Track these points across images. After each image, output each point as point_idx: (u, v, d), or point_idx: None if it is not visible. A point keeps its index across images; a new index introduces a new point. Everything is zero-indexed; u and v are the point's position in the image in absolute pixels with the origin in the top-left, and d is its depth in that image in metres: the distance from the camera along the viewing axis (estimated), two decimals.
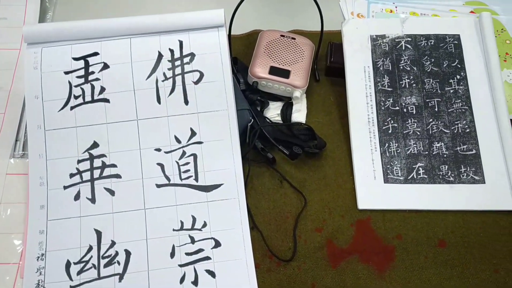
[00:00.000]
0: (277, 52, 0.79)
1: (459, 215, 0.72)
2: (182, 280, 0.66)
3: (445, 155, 0.75)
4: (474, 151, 0.75)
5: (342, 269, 0.68)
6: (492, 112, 0.77)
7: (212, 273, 0.67)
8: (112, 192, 0.70)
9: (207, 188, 0.71)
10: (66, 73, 0.73)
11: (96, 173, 0.71)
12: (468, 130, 0.76)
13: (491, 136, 0.76)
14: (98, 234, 0.68)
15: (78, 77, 0.73)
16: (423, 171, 0.74)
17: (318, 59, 0.84)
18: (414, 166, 0.74)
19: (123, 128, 0.72)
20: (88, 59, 0.74)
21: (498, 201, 0.72)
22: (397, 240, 0.70)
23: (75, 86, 0.73)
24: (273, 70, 0.78)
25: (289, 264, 0.68)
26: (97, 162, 0.71)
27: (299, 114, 0.79)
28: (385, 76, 0.80)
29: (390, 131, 0.77)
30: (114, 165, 0.71)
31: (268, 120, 0.78)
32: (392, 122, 0.77)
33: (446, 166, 0.74)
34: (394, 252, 0.69)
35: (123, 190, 0.70)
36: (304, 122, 0.78)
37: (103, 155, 0.71)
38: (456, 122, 0.77)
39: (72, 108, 0.72)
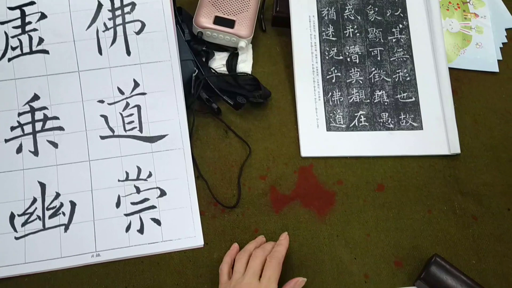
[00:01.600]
0: (222, 2, 0.78)
1: (398, 160, 0.75)
2: (128, 228, 0.68)
3: (386, 103, 0.77)
4: (413, 99, 0.77)
5: (285, 214, 0.71)
6: (432, 61, 0.79)
7: (157, 221, 0.68)
8: (55, 145, 0.70)
9: (151, 139, 0.71)
10: (2, 23, 0.71)
11: (38, 125, 0.70)
12: (408, 79, 0.78)
13: (430, 84, 0.78)
14: (42, 186, 0.68)
15: (15, 27, 0.71)
16: (364, 119, 0.76)
17: (265, 9, 0.84)
18: (356, 114, 0.76)
19: (64, 80, 0.71)
20: (24, 8, 0.71)
21: (434, 146, 0.75)
22: (337, 185, 0.73)
23: (12, 37, 0.71)
24: (218, 20, 0.77)
25: (233, 211, 0.70)
26: (39, 115, 0.70)
27: (245, 65, 0.79)
28: (330, 25, 0.80)
29: (333, 80, 0.78)
30: (56, 118, 0.70)
31: (213, 71, 0.78)
32: (335, 71, 0.78)
33: (387, 114, 0.76)
34: (335, 197, 0.72)
35: (67, 143, 0.70)
36: (249, 72, 0.79)
37: (44, 108, 0.70)
38: (397, 71, 0.79)
39: (10, 59, 0.71)
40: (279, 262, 0.62)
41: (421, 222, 0.71)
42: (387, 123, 0.76)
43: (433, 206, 0.72)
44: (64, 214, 0.67)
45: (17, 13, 0.71)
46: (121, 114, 0.71)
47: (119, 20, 0.72)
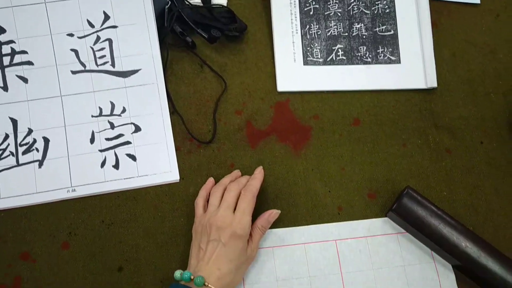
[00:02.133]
0: None
1: (374, 94, 0.74)
2: (103, 164, 0.68)
3: (364, 36, 0.76)
4: (392, 32, 0.76)
5: (260, 148, 0.71)
6: None
7: (133, 157, 0.68)
8: (25, 80, 0.68)
9: (124, 74, 0.70)
10: None
11: (6, 60, 0.68)
12: (388, 11, 0.76)
13: (409, 16, 0.76)
14: (14, 122, 0.67)
15: None
16: (342, 52, 0.75)
17: None
18: (333, 48, 0.75)
19: (31, 12, 0.68)
20: None
21: (411, 80, 0.75)
22: (314, 120, 0.73)
23: None
24: None
25: (209, 146, 0.70)
26: (6, 49, 0.68)
27: None
28: None
29: (311, 13, 0.76)
30: (24, 52, 0.68)
31: (187, 3, 0.75)
32: (313, 3, 0.76)
33: (365, 47, 0.75)
34: (311, 132, 0.72)
35: (37, 77, 0.68)
36: (225, 4, 0.76)
37: (11, 41, 0.68)
38: (376, 3, 0.77)
39: None
40: (253, 195, 0.63)
41: (396, 155, 0.72)
42: (364, 57, 0.75)
43: (408, 140, 0.73)
44: (37, 150, 0.67)
45: None
46: (92, 48, 0.69)
47: None
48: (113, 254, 0.65)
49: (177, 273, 0.58)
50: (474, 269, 0.64)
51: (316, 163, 0.71)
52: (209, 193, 0.65)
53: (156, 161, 0.68)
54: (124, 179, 0.67)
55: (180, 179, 0.68)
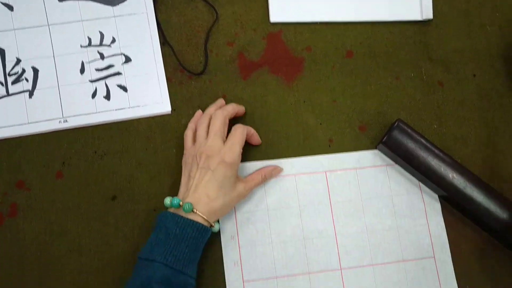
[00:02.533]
0: None
1: (368, 26, 0.73)
2: (94, 95, 0.67)
3: None
4: None
5: (252, 80, 0.70)
6: None
7: (123, 88, 0.68)
8: (10, 7, 0.66)
9: (112, 2, 0.68)
10: None
11: None
12: None
13: None
14: (1, 51, 0.66)
15: None
16: None
17: None
18: None
19: None
20: None
21: (407, 11, 0.73)
22: (306, 52, 0.72)
23: None
24: None
25: (200, 77, 0.70)
26: None
27: None
28: None
29: None
30: None
31: None
32: None
33: None
34: (303, 64, 0.71)
35: (22, 5, 0.66)
36: None
37: None
38: None
39: None
40: (243, 128, 0.63)
41: (388, 88, 0.72)
42: None
43: (401, 72, 0.72)
44: (27, 80, 0.66)
45: None
46: None
47: None
48: (106, 183, 0.66)
49: (167, 200, 0.60)
50: (460, 200, 0.66)
51: (308, 95, 0.71)
52: None
53: (148, 92, 0.68)
54: (116, 110, 0.67)
55: (171, 111, 0.68)
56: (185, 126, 0.67)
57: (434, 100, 0.72)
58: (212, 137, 0.61)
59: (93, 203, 0.65)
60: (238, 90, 0.70)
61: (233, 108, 0.66)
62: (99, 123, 0.67)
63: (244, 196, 0.64)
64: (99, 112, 0.67)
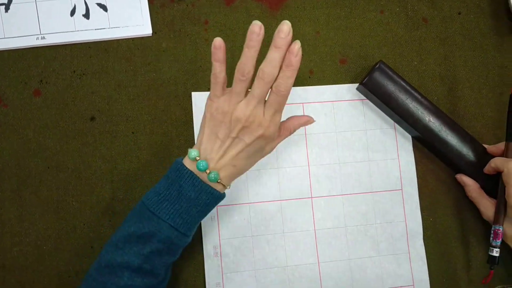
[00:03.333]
0: None
1: None
2: (72, 12, 0.66)
3: None
4: None
5: (236, 7, 0.69)
6: None
7: (103, 7, 0.66)
8: None
9: None
10: None
11: None
12: None
13: None
14: None
15: None
16: None
17: None
18: None
19: None
20: None
21: None
22: None
23: None
24: None
25: (182, 1, 0.69)
26: None
27: None
28: None
29: None
30: None
31: None
32: None
33: None
34: None
35: None
36: None
37: None
38: None
39: None
40: (287, 95, 0.53)
41: (372, 22, 0.71)
42: None
43: (386, 6, 0.72)
44: None
45: None
46: None
47: None
48: (85, 104, 0.66)
49: (193, 154, 0.53)
50: (434, 142, 0.67)
51: (292, 25, 0.69)
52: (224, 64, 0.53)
53: (128, 13, 0.67)
54: (95, 29, 0.66)
55: (152, 33, 0.68)
56: (165, 50, 0.67)
57: (416, 36, 0.72)
58: (254, 105, 0.52)
59: (71, 123, 0.65)
60: (221, 16, 0.69)
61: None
62: (78, 42, 0.66)
63: (269, 153, 0.58)
64: (78, 30, 0.66)
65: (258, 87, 0.51)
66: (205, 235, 0.65)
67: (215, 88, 0.53)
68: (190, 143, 0.66)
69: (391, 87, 0.67)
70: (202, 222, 0.65)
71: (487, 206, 0.66)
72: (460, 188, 0.69)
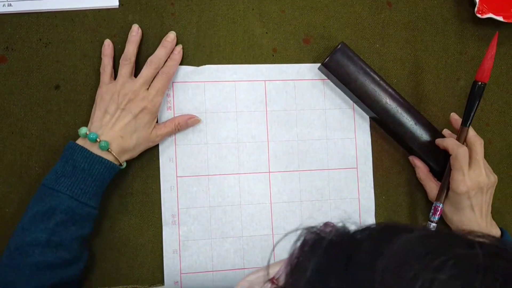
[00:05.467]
0: None
1: None
2: None
3: None
4: None
5: None
6: None
7: None
8: None
9: None
10: None
11: None
12: None
13: None
14: None
15: None
16: None
17: None
18: None
19: None
20: None
21: None
22: None
23: None
24: None
25: None
26: None
27: None
28: None
29: None
30: None
31: None
32: None
33: None
34: None
35: None
36: None
37: None
38: None
39: None
40: (170, 78, 0.65)
41: (337, 3, 0.73)
42: None
43: None
44: None
45: None
46: None
47: None
48: (50, 72, 0.67)
49: (83, 130, 0.61)
50: (390, 123, 0.70)
51: (258, 3, 0.71)
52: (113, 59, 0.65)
53: None
54: None
55: (119, 5, 0.69)
56: (132, 22, 0.68)
57: (380, 19, 0.73)
58: (141, 83, 0.63)
59: (36, 90, 0.67)
60: None
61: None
62: (44, 11, 0.67)
63: (155, 143, 0.66)
64: None
65: (145, 71, 0.63)
66: (163, 204, 0.68)
67: (104, 77, 0.64)
68: None
69: (351, 68, 0.69)
70: (161, 190, 0.68)
71: (432, 188, 0.69)
72: (413, 168, 0.72)
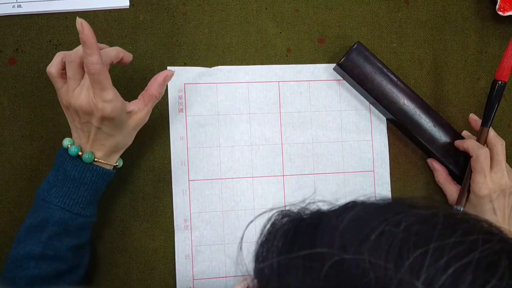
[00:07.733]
0: None
1: None
2: None
3: None
4: None
5: None
6: None
7: None
8: None
9: None
10: None
11: None
12: None
13: None
14: None
15: None
16: None
17: None
18: None
19: None
20: None
21: None
22: None
23: None
24: None
25: None
26: None
27: None
28: None
29: None
30: None
31: None
32: None
33: None
34: None
35: None
36: None
37: None
38: None
39: None
40: (98, 75, 0.51)
41: (352, 1, 0.71)
42: None
43: None
44: None
45: None
46: None
47: None
48: None
49: (66, 142, 0.57)
50: (408, 125, 0.68)
51: (271, 2, 0.70)
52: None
53: None
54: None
55: (130, 5, 0.67)
56: (143, 22, 0.67)
57: (397, 18, 0.71)
58: (87, 87, 0.53)
59: (46, 92, 0.66)
60: None
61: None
62: (54, 12, 0.66)
63: (145, 121, 0.59)
64: (54, 0, 0.66)
65: (87, 73, 0.52)
66: (175, 208, 0.66)
67: (57, 83, 0.55)
68: (165, 115, 0.67)
69: (367, 68, 0.67)
70: (173, 194, 0.66)
71: (452, 191, 0.66)
72: (431, 172, 0.70)
